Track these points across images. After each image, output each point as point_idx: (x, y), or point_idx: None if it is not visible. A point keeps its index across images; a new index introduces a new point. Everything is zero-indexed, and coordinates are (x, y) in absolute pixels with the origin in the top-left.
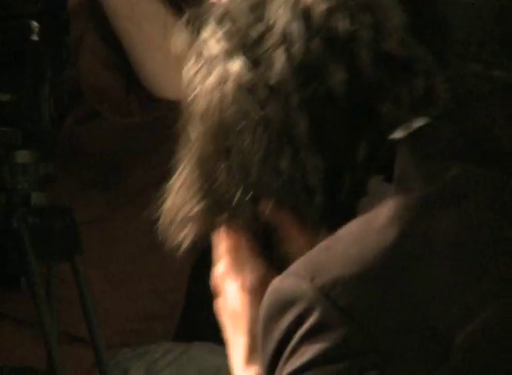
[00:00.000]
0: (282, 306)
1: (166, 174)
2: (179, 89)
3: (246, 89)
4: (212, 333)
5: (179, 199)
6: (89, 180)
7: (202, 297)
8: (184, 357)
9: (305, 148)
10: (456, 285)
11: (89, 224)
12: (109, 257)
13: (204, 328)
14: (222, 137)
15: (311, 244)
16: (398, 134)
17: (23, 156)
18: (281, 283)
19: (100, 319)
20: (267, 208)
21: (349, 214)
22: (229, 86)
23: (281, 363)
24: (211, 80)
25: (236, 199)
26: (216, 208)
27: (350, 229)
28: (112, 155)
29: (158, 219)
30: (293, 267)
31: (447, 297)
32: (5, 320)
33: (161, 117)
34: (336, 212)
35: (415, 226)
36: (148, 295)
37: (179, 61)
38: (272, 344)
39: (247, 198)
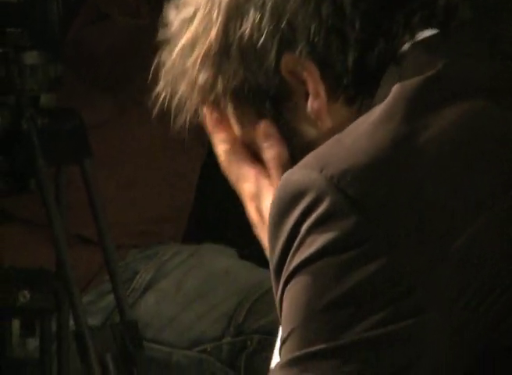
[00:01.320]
0: (291, 199)
1: None
2: None
3: None
4: (222, 235)
5: (182, 60)
6: (96, 82)
7: (212, 199)
8: (193, 259)
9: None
10: (458, 184)
11: (97, 127)
12: (118, 159)
13: (214, 230)
14: None
15: (324, 112)
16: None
17: (31, 57)
18: (290, 176)
19: (109, 220)
20: (293, 59)
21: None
22: None
23: (289, 256)
24: None
25: (260, 44)
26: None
27: (359, 123)
28: (119, 57)
29: (166, 119)
30: (303, 160)
31: (450, 196)
32: (15, 222)
33: None
34: (359, 87)
35: (419, 120)
36: (157, 197)
37: None
38: (281, 241)
39: (275, 46)
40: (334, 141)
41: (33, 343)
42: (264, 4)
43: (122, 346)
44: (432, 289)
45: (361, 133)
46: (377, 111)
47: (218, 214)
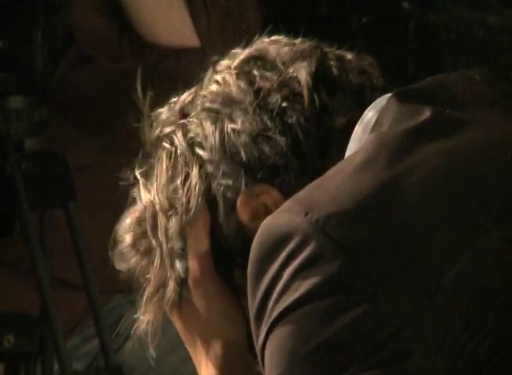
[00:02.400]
0: (275, 243)
1: None
2: (171, 34)
3: None
4: None
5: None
6: (82, 125)
7: None
8: None
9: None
10: (442, 226)
11: (83, 170)
12: (103, 203)
13: None
14: None
15: None
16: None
17: (16, 102)
18: (273, 221)
19: (93, 265)
20: (244, 200)
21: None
22: None
23: (271, 302)
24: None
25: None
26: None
27: (339, 168)
28: (105, 100)
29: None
30: (284, 205)
31: (435, 237)
32: None
33: (155, 62)
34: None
35: (401, 164)
36: None
37: (171, 6)
38: (263, 285)
39: (223, 213)
40: (315, 186)
41: None
42: (190, 187)
43: None
44: (419, 330)
45: (345, 178)
46: (357, 156)
47: None
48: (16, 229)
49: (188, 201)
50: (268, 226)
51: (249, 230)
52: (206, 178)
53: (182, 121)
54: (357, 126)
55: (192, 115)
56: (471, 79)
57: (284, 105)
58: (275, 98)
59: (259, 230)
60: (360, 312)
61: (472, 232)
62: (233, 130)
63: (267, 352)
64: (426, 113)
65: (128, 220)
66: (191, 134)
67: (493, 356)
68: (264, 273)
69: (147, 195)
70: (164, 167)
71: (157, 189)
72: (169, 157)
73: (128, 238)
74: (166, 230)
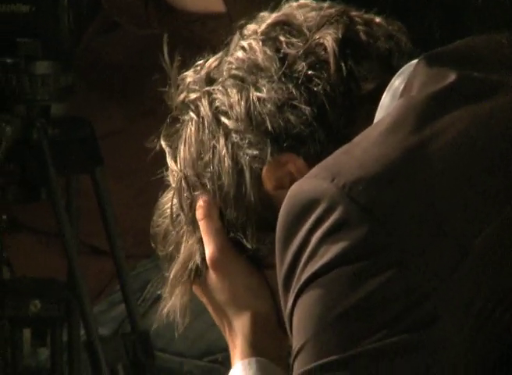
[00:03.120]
0: (302, 208)
1: None
2: (197, 0)
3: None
4: None
5: None
6: (107, 92)
7: None
8: None
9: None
10: (470, 190)
11: (109, 136)
12: (129, 169)
13: None
14: None
15: None
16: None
17: (42, 67)
18: (300, 187)
19: (121, 230)
20: (270, 169)
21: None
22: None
23: (299, 268)
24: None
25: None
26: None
27: (366, 134)
28: (131, 67)
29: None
30: (312, 171)
31: (462, 202)
32: (25, 232)
33: (181, 28)
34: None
35: (429, 128)
36: None
37: None
38: (291, 251)
39: (247, 180)
40: (342, 152)
41: (44, 352)
42: (221, 157)
43: (134, 356)
44: (446, 296)
45: (371, 143)
46: (384, 122)
47: None
48: (42, 194)
49: (219, 178)
50: (295, 192)
51: (275, 200)
52: (232, 148)
53: (207, 88)
54: (384, 94)
55: (218, 81)
56: (499, 42)
57: (310, 72)
58: (301, 66)
59: (286, 197)
60: (387, 278)
61: (499, 198)
62: (259, 98)
63: (295, 318)
64: (452, 76)
65: (166, 206)
66: (217, 103)
67: None
68: (291, 239)
69: (174, 167)
70: (192, 140)
71: (185, 163)
72: (196, 128)
73: (166, 222)
74: (191, 203)
